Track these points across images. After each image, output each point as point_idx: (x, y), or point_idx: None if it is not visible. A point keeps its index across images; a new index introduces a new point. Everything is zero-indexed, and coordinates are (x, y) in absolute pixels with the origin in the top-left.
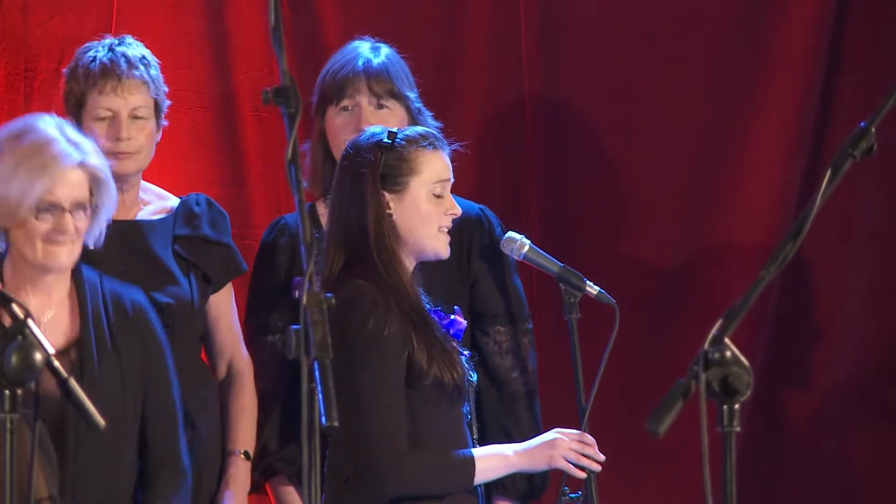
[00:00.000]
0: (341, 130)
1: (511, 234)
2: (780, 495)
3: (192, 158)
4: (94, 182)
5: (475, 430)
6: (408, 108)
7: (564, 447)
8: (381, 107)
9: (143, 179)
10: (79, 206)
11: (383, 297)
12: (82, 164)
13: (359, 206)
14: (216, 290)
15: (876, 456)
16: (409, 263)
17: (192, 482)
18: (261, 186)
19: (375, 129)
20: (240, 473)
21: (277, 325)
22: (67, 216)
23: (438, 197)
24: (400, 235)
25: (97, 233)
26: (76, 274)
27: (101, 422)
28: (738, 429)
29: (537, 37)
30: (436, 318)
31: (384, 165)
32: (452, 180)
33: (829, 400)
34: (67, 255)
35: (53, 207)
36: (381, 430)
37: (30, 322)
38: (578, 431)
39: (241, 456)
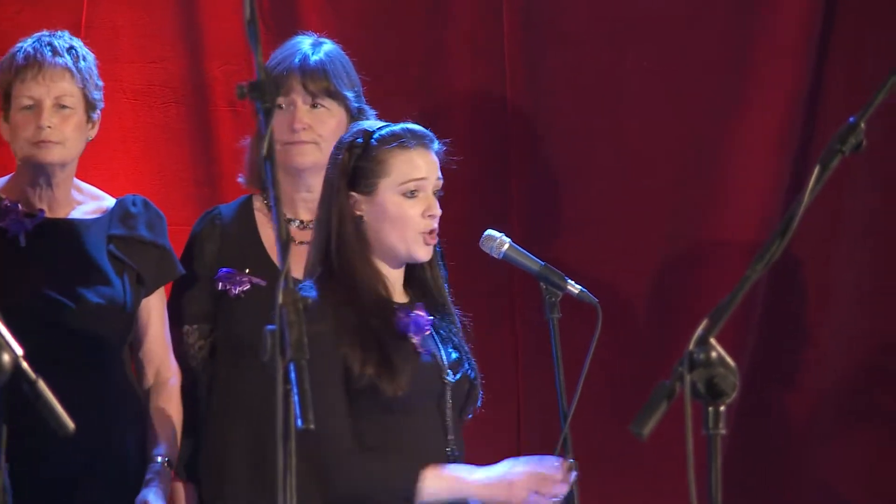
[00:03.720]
0: (276, 129)
1: (490, 231)
2: (769, 499)
3: (165, 155)
4: None
5: (451, 437)
6: (347, 108)
7: (522, 491)
8: (316, 105)
9: (113, 177)
10: None
11: (330, 296)
12: None
13: (326, 208)
14: (149, 292)
15: (866, 458)
16: (386, 265)
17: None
18: (236, 183)
19: (363, 125)
20: (160, 479)
21: (195, 315)
22: None
23: (412, 196)
24: (371, 238)
25: None
26: None
27: (71, 425)
28: (723, 431)
29: (519, 32)
30: (412, 319)
31: (354, 166)
32: (440, 179)
33: (818, 401)
34: None
35: None
36: (326, 426)
37: None
38: (542, 462)
39: (165, 464)
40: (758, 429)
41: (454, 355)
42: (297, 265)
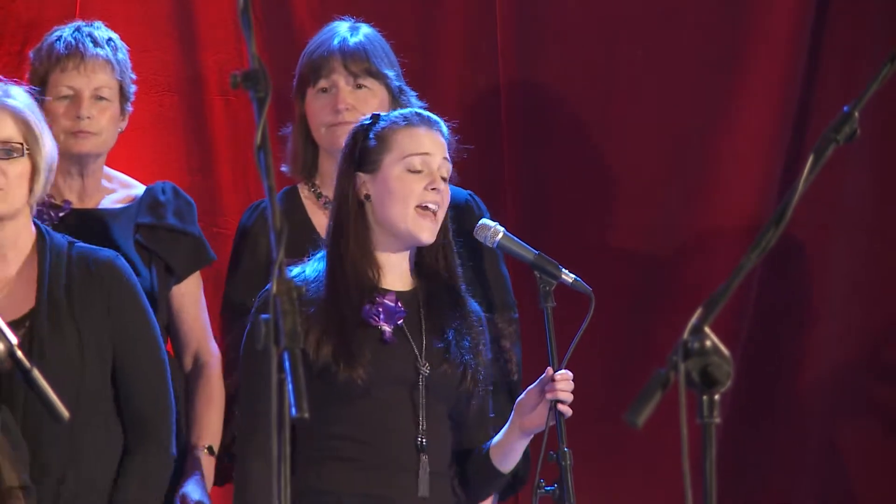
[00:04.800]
0: (320, 112)
1: (485, 221)
2: (763, 489)
3: (158, 144)
4: (25, 127)
5: (422, 425)
6: (388, 87)
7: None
8: (359, 86)
9: (108, 166)
10: (4, 147)
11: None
12: (5, 106)
13: (335, 190)
14: (180, 280)
15: (861, 448)
16: (387, 250)
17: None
18: (230, 173)
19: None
20: (203, 468)
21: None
22: None
23: (417, 172)
24: (375, 219)
25: (39, 190)
26: (40, 241)
27: (66, 413)
28: (718, 420)
29: (513, 24)
30: (382, 307)
31: (362, 147)
32: (447, 158)
33: (813, 391)
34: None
35: None
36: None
37: None
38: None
39: (205, 451)
40: (751, 418)
41: (439, 345)
42: None
